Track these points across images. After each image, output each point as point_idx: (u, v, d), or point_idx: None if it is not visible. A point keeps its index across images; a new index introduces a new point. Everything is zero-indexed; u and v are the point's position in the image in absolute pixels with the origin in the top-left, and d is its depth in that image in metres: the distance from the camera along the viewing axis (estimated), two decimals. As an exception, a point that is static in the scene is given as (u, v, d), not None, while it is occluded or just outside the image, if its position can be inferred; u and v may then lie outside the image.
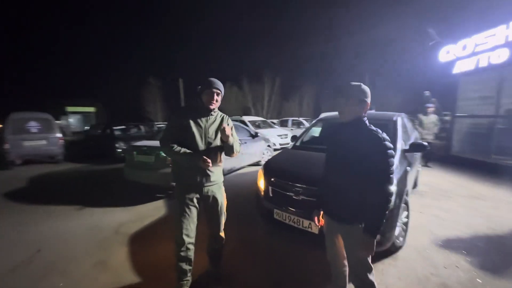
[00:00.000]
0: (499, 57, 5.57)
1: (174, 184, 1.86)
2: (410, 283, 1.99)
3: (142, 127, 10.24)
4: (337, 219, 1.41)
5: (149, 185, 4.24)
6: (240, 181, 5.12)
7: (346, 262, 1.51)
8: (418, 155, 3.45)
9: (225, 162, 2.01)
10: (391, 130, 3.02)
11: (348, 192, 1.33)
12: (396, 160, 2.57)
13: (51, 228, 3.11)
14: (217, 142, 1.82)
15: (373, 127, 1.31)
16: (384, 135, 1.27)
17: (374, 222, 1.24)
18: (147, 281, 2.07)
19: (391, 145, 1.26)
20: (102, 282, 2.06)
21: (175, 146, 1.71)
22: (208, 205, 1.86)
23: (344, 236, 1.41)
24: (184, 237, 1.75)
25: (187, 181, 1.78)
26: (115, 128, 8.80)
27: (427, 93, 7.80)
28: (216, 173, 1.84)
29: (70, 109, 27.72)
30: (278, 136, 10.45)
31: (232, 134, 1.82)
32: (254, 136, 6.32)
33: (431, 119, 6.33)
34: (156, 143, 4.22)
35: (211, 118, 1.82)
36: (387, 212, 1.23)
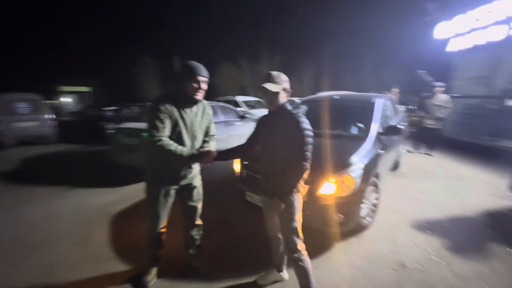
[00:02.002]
0: (496, 34, 5.35)
1: (148, 172, 1.74)
2: (369, 260, 2.10)
3: (134, 108, 10.15)
4: (271, 195, 1.50)
5: (134, 166, 4.31)
6: (224, 164, 5.18)
7: (279, 237, 1.66)
8: (398, 137, 3.46)
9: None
10: (368, 112, 3.01)
11: (277, 169, 1.44)
12: (368, 143, 2.59)
13: (38, 208, 3.22)
14: (201, 136, 1.74)
15: (293, 112, 1.44)
16: (303, 118, 1.40)
17: (285, 189, 1.40)
18: (125, 256, 2.21)
19: (309, 126, 1.38)
20: (84, 258, 2.20)
21: (172, 143, 1.52)
22: (186, 194, 1.81)
23: (275, 207, 1.48)
24: (159, 228, 1.75)
25: (169, 174, 1.67)
26: (106, 109, 8.73)
27: (422, 71, 7.58)
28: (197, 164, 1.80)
29: (66, 89, 27.27)
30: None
31: (210, 125, 1.81)
32: (242, 117, 6.29)
33: (436, 100, 5.35)
34: (140, 125, 4.23)
35: (194, 109, 1.68)
36: (297, 183, 1.40)
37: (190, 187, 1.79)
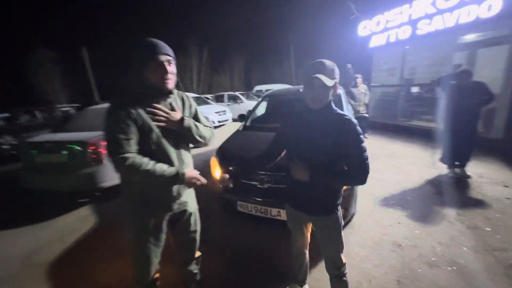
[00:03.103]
0: (404, 33, 6.48)
1: (128, 201, 1.27)
2: (370, 248, 2.16)
3: (38, 114, 7.92)
4: (310, 212, 1.30)
5: (59, 192, 3.30)
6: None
7: (307, 254, 1.53)
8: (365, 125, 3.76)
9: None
10: (338, 103, 3.11)
11: (319, 181, 1.17)
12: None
13: None
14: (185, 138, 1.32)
15: (342, 112, 1.18)
16: (354, 119, 1.16)
17: (333, 175, 1.20)
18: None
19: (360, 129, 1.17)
20: None
21: (147, 161, 1.11)
22: (181, 224, 1.41)
23: (321, 227, 1.32)
24: (151, 277, 1.33)
25: (155, 198, 1.24)
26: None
27: (349, 65, 8.60)
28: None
29: None
30: (216, 113, 9.96)
31: (198, 116, 1.38)
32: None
33: (360, 89, 6.26)
34: (67, 136, 3.24)
35: (170, 103, 1.23)
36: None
37: (186, 214, 1.39)
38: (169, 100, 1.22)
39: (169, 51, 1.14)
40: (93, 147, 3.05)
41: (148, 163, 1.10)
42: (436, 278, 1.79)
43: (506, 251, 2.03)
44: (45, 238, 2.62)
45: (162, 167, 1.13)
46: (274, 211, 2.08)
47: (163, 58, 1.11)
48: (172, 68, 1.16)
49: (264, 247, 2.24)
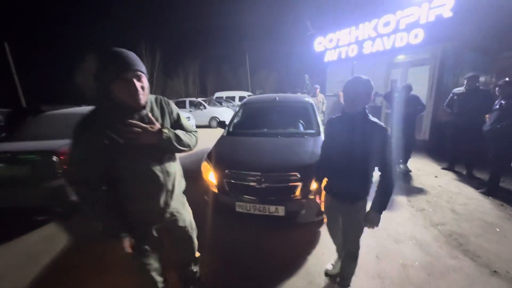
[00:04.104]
0: (353, 51, 7.52)
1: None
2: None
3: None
4: (344, 200, 1.58)
5: (21, 207, 2.88)
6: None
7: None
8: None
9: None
10: (311, 112, 3.52)
11: (353, 177, 1.49)
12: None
13: None
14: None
15: (375, 119, 1.46)
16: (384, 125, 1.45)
17: (383, 202, 1.49)
18: None
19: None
20: None
21: (92, 199, 1.09)
22: (173, 233, 1.41)
23: (346, 213, 1.61)
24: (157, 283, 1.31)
25: (140, 211, 1.21)
26: None
27: (306, 76, 9.49)
28: (179, 179, 1.35)
29: None
30: (180, 120, 9.65)
31: (180, 121, 1.33)
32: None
33: (319, 98, 7.19)
34: (26, 145, 2.87)
35: (145, 113, 1.14)
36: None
37: (179, 220, 1.40)
38: (144, 111, 1.12)
39: (139, 65, 1.04)
40: (63, 157, 2.78)
41: (101, 207, 1.10)
42: (403, 250, 2.25)
43: (444, 225, 2.65)
44: (5, 262, 2.27)
45: (107, 217, 1.12)
46: (272, 208, 2.28)
47: (130, 75, 1.00)
48: (142, 83, 1.06)
49: (263, 244, 2.42)
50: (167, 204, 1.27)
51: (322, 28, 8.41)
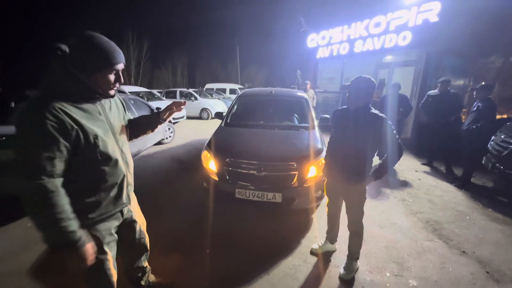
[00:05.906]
0: (344, 49, 7.75)
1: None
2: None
3: None
4: (346, 181, 1.77)
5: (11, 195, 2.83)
6: (151, 166, 4.47)
7: (339, 218, 2.05)
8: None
9: (130, 145, 1.36)
10: (305, 106, 3.68)
11: (357, 160, 1.70)
12: (318, 131, 3.23)
13: None
14: (125, 137, 1.23)
15: (373, 110, 1.66)
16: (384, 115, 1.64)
17: (379, 172, 1.71)
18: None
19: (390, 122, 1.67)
20: None
21: (64, 201, 0.92)
22: (127, 232, 1.33)
23: (347, 195, 1.82)
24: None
25: (106, 207, 1.10)
26: None
27: (298, 72, 9.64)
28: (131, 173, 1.25)
29: None
30: (171, 110, 9.53)
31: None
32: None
33: (310, 94, 7.42)
34: (9, 129, 2.81)
35: (107, 101, 1.14)
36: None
37: (134, 221, 1.34)
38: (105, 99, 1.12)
39: (123, 57, 1.07)
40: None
41: (63, 205, 0.91)
42: (386, 234, 2.50)
43: (422, 213, 2.93)
44: (5, 246, 2.29)
45: (70, 220, 0.93)
46: (270, 195, 2.44)
47: (119, 67, 1.04)
48: (122, 78, 1.10)
49: (261, 230, 2.59)
50: (129, 199, 1.22)
51: (315, 25, 8.55)
